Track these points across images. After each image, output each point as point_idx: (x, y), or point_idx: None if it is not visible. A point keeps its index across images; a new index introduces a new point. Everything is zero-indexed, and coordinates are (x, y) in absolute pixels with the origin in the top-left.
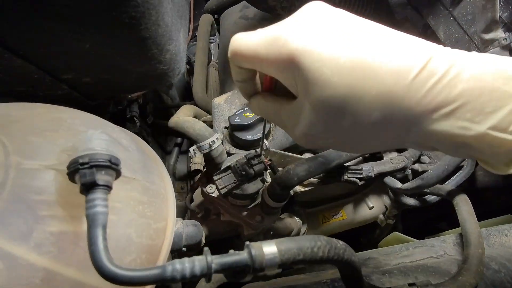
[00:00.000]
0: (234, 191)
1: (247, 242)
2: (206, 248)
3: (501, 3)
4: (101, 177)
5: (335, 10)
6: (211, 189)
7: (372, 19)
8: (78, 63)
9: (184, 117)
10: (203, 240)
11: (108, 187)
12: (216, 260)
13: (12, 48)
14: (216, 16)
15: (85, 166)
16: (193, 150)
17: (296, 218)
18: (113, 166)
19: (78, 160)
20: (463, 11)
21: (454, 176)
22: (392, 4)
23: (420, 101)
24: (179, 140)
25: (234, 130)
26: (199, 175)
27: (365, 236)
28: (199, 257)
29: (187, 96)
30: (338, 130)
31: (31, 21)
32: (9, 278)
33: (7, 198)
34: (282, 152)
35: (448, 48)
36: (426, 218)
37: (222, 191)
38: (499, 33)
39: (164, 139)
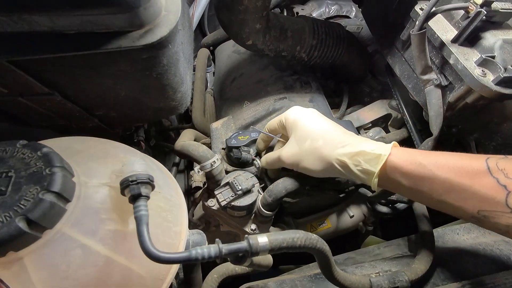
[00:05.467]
0: (232, 203)
1: (246, 235)
2: (217, 239)
3: (434, 52)
4: (144, 190)
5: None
6: (211, 202)
7: (347, 53)
8: (111, 103)
9: (189, 142)
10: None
11: (148, 197)
12: (225, 247)
13: (69, 96)
14: (211, 48)
15: (133, 182)
16: (197, 169)
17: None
18: (151, 182)
19: (128, 179)
20: (411, 54)
21: None
22: (363, 39)
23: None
24: (177, 160)
25: (230, 151)
26: (200, 191)
27: (349, 242)
28: (213, 245)
29: (183, 119)
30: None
31: (91, 78)
32: (84, 260)
33: (81, 206)
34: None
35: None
36: (405, 227)
37: (222, 204)
38: (432, 75)
39: (163, 159)
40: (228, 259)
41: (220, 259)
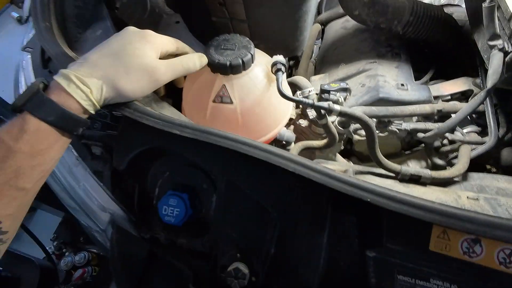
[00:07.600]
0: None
1: (327, 104)
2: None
3: (504, 22)
4: (282, 68)
5: None
6: (302, 121)
7: (441, 34)
8: (265, 35)
9: (297, 76)
10: (293, 144)
11: (283, 72)
12: (317, 102)
13: (250, 24)
14: (322, 26)
15: (278, 63)
16: (299, 93)
17: (351, 162)
18: (286, 66)
19: (276, 61)
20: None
21: (475, 147)
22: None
23: None
24: None
25: (323, 93)
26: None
27: None
28: (311, 100)
29: None
30: None
31: (264, 10)
32: (256, 88)
33: (255, 68)
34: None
35: None
36: None
37: (311, 117)
38: (498, 42)
39: None
40: (315, 114)
41: (314, 108)
